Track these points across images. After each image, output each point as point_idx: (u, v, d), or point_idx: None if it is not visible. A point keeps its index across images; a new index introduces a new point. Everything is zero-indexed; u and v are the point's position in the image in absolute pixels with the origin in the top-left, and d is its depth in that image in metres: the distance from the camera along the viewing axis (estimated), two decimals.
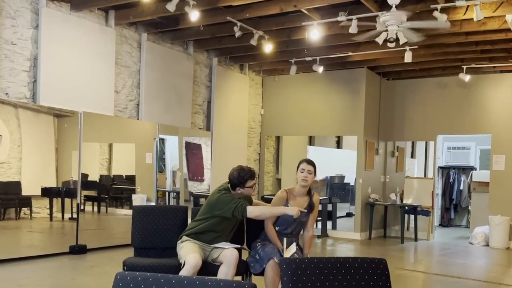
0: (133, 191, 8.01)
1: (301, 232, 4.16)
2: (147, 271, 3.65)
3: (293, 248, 3.86)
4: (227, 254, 3.80)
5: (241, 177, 3.92)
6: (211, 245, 3.97)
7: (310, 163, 4.08)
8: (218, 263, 3.84)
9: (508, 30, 6.89)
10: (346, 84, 9.95)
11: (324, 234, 9.77)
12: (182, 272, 3.63)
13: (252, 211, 3.85)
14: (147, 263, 3.90)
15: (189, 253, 3.76)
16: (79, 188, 6.97)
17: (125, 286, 1.83)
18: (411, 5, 6.22)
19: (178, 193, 8.88)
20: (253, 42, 7.61)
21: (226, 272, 3.74)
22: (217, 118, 9.51)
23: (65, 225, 7.12)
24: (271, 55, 8.80)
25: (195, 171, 9.24)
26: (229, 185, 4.01)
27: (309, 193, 4.11)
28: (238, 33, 7.31)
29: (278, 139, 11.19)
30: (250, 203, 4.14)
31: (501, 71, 9.53)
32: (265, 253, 3.86)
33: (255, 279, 3.97)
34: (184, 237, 3.98)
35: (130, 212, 5.67)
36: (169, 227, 4.23)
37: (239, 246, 4.01)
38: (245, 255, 4.18)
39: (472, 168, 12.42)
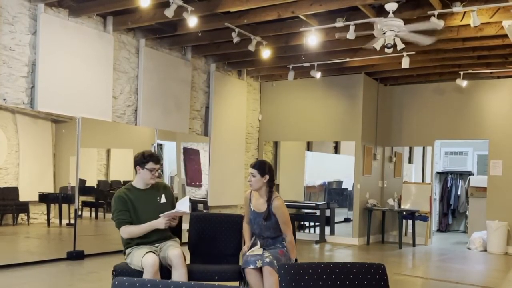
0: None
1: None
2: (136, 276, 3.63)
3: (256, 251, 3.94)
4: (171, 257, 3.70)
5: (144, 157, 3.92)
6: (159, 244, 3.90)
7: (252, 166, 4.02)
8: (169, 266, 3.79)
9: (505, 36, 6.92)
10: (344, 89, 9.97)
11: (322, 239, 9.76)
12: (145, 276, 3.56)
13: (124, 232, 3.85)
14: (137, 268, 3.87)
15: (141, 256, 3.68)
16: (77, 194, 6.96)
17: None
18: (408, 11, 6.25)
19: (176, 198, 8.85)
20: (251, 48, 7.63)
21: (178, 274, 3.66)
22: (215, 124, 9.51)
23: (63, 231, 7.10)
24: (269, 61, 8.82)
25: (193, 176, 9.23)
26: (131, 182, 4.02)
27: (269, 198, 3.97)
28: (236, 39, 7.33)
29: (276, 144, 11.19)
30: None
31: (498, 77, 9.57)
32: (244, 262, 3.91)
33: None
34: (127, 250, 3.91)
35: None
36: None
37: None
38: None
39: (469, 173, 12.44)
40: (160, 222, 3.78)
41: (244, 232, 4.16)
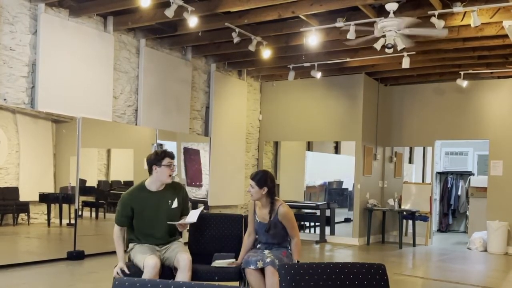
0: None
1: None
2: (137, 276, 3.65)
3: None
4: (180, 259, 3.73)
5: (159, 154, 3.86)
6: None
7: (252, 177, 3.98)
8: (171, 266, 3.81)
9: (505, 36, 6.92)
10: (344, 89, 9.98)
11: (322, 239, 9.76)
12: (144, 276, 3.59)
13: (114, 231, 4.01)
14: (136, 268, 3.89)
15: (144, 256, 3.72)
16: (77, 194, 6.96)
17: None
18: (408, 11, 6.25)
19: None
20: (252, 48, 7.63)
21: (183, 277, 3.69)
22: (215, 124, 9.51)
23: (63, 231, 7.10)
24: (269, 61, 8.82)
25: (193, 176, 9.23)
26: (145, 181, 3.96)
27: (271, 210, 3.94)
28: (236, 39, 7.33)
29: (276, 144, 11.19)
30: None
31: (499, 77, 9.57)
32: (244, 262, 3.91)
33: None
34: (130, 244, 3.95)
35: None
36: None
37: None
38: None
39: (470, 174, 12.44)
40: (118, 266, 3.83)
41: (243, 245, 4.11)
